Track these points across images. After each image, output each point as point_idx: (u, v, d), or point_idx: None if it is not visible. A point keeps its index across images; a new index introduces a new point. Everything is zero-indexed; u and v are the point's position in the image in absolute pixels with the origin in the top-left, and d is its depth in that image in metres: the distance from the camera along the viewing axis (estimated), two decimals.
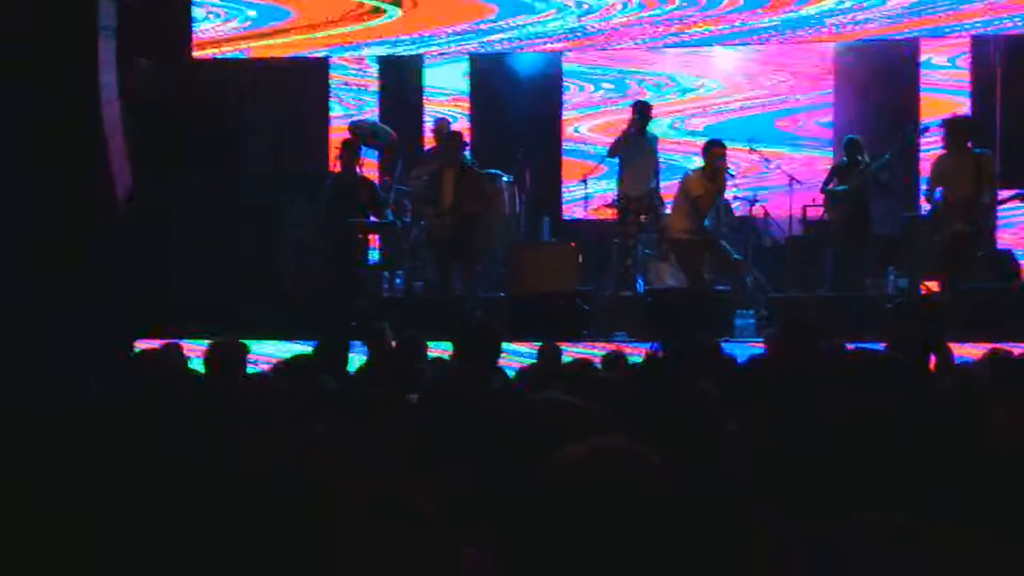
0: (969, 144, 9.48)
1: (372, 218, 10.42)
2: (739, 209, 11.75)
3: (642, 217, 10.65)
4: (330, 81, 12.55)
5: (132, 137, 10.59)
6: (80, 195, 10.07)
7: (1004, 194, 9.73)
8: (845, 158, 10.75)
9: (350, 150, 10.45)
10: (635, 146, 10.55)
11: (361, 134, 11.21)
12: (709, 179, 9.93)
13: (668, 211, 10.61)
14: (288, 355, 6.31)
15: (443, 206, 10.30)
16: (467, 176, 10.37)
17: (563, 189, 12.90)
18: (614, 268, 10.99)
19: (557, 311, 9.86)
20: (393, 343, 7.27)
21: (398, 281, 11.29)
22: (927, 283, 10.40)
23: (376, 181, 11.12)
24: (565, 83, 13.05)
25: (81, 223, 10.01)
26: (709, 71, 12.84)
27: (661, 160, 10.89)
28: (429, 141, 12.18)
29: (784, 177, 11.47)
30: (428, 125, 12.22)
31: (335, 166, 10.52)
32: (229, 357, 5.50)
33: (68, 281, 9.70)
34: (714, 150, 9.92)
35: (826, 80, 12.50)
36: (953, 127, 9.58)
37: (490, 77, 12.72)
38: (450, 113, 12.54)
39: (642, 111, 10.58)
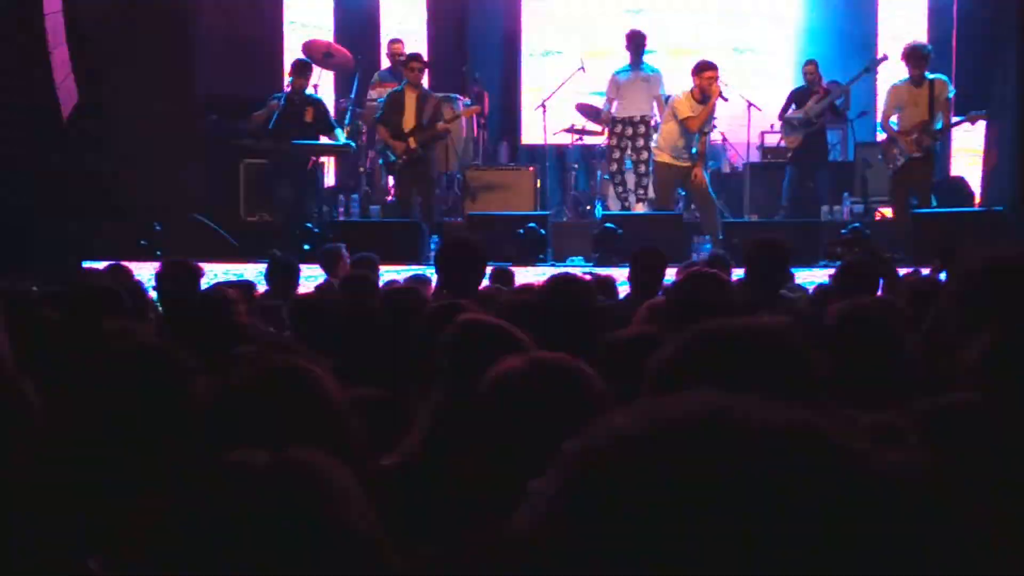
0: (924, 71, 9.49)
1: (322, 139, 10.31)
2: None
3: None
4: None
5: (80, 53, 10.35)
6: (24, 107, 9.87)
7: (955, 119, 9.77)
8: (803, 83, 10.74)
9: (302, 70, 10.33)
10: (629, 76, 10.47)
11: (315, 55, 11.07)
12: (699, 101, 9.86)
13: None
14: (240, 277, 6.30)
15: (403, 129, 10.22)
16: (428, 99, 10.28)
17: (521, 112, 12.82)
18: (572, 193, 10.99)
19: (514, 235, 9.83)
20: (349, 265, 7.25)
21: (354, 205, 11.22)
22: (882, 209, 10.48)
23: (331, 102, 11.00)
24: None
25: (25, 134, 9.82)
26: None
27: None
28: (386, 63, 12.04)
29: (742, 103, 11.44)
30: (384, 47, 12.05)
31: (287, 87, 10.40)
32: (182, 276, 5.45)
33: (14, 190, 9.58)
34: (706, 72, 9.79)
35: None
36: (909, 54, 9.58)
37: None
38: (408, 34, 12.40)
39: (631, 42, 10.50)
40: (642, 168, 10.60)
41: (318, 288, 6.78)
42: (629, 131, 10.50)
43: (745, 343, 1.70)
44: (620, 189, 10.67)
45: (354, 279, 5.78)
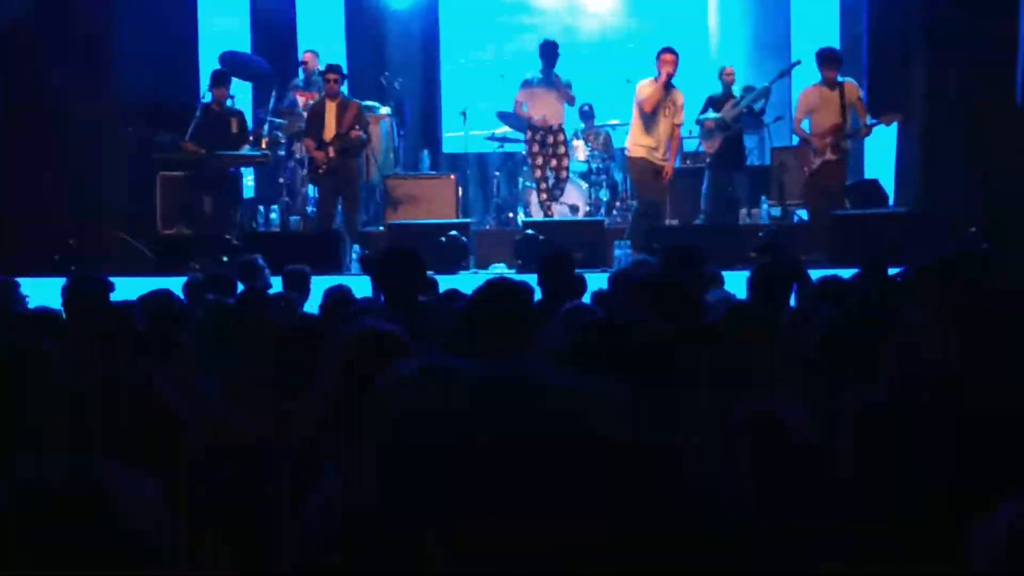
0: (836, 75, 9.64)
1: (244, 150, 10.25)
2: (618, 140, 11.85)
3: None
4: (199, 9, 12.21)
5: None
6: None
7: (869, 122, 9.93)
8: (720, 88, 10.86)
9: (221, 81, 10.27)
10: (542, 81, 10.60)
11: (232, 66, 10.98)
12: (656, 85, 9.94)
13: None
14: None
15: (324, 138, 10.20)
16: (348, 107, 10.27)
17: (442, 121, 12.81)
18: (494, 200, 11.04)
19: (436, 243, 9.81)
20: (270, 277, 7.17)
21: (273, 215, 11.14)
22: (799, 212, 10.62)
23: (249, 113, 10.92)
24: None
25: None
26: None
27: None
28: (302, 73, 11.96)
29: None
30: (304, 57, 11.96)
31: (205, 97, 10.31)
32: (91, 293, 5.34)
33: None
34: (661, 55, 9.93)
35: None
36: (820, 58, 9.73)
37: (367, 8, 12.52)
38: (326, 44, 12.34)
39: (544, 51, 10.61)
40: (563, 175, 10.66)
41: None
42: (549, 139, 10.57)
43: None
44: (544, 196, 10.73)
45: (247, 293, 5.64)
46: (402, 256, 4.87)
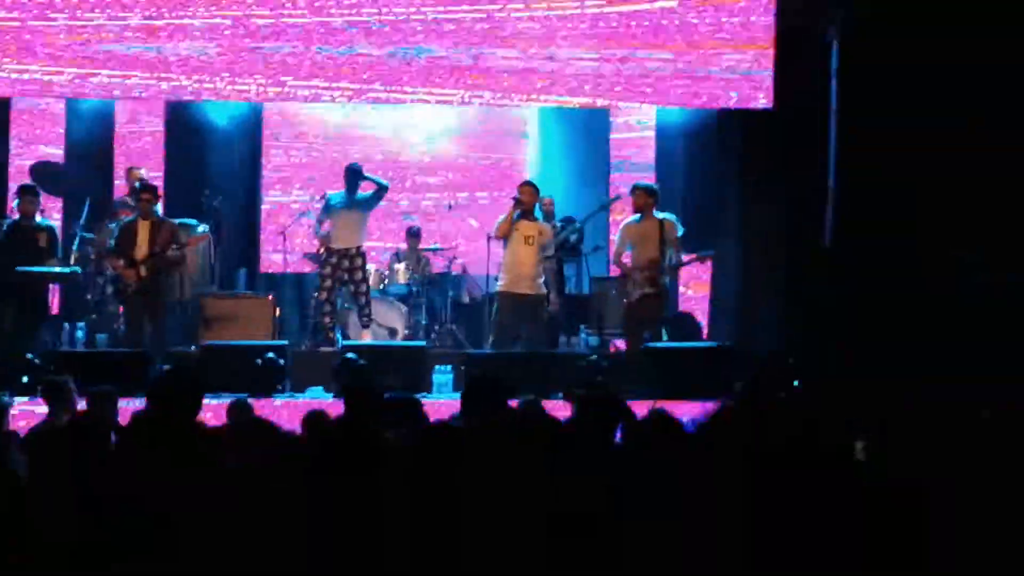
0: (654, 210, 9.91)
1: (53, 266, 9.88)
2: (438, 265, 11.88)
3: (344, 273, 10.62)
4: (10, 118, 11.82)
5: None
6: None
7: (686, 258, 10.22)
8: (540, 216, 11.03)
9: (30, 194, 9.95)
10: (344, 204, 10.64)
11: (43, 178, 10.65)
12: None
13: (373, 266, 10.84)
14: None
15: (135, 257, 9.92)
16: (163, 227, 10.04)
17: (260, 239, 12.62)
18: (311, 322, 10.90)
19: (251, 365, 9.56)
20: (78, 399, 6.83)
21: (79, 333, 10.71)
22: (616, 342, 10.78)
23: (59, 228, 10.56)
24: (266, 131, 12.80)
25: None
26: (412, 128, 12.94)
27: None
28: (121, 188, 11.66)
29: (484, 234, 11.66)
30: (120, 172, 11.67)
31: (12, 211, 9.96)
32: None
33: None
34: (519, 187, 10.16)
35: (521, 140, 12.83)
36: (638, 193, 10.01)
37: (186, 122, 12.33)
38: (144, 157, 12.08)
39: (349, 175, 10.68)
40: (363, 299, 10.67)
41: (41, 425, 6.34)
42: (345, 263, 10.59)
43: None
44: (327, 320, 10.63)
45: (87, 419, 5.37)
46: (176, 377, 4.83)
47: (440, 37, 11.03)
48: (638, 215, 9.98)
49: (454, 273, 11.91)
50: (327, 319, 10.69)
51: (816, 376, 8.92)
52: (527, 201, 10.07)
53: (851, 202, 10.22)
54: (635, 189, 10.10)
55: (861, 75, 10.14)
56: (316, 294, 10.80)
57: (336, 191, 10.83)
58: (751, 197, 11.18)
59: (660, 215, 9.93)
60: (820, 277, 10.18)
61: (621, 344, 10.59)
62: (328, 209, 10.70)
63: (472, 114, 12.69)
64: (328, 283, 10.67)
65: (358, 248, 10.67)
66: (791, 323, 10.28)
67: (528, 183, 10.31)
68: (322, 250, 10.78)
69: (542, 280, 10.11)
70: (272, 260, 12.38)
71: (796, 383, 8.97)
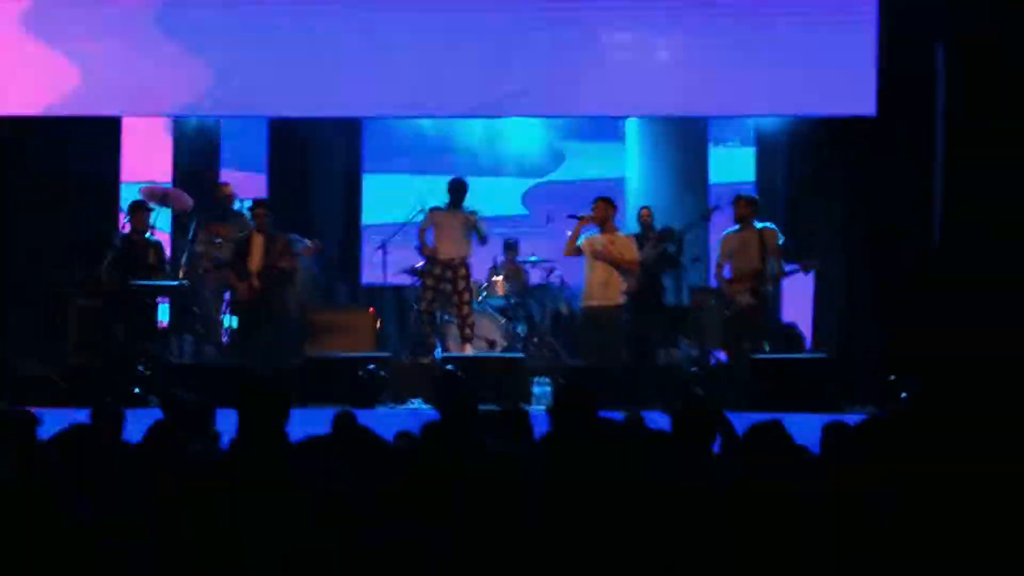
0: (754, 219, 9.82)
1: (161, 280, 10.13)
2: (536, 276, 11.89)
3: (447, 284, 10.62)
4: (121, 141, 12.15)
5: None
6: None
7: (788, 267, 10.09)
8: (637, 228, 11.00)
9: (140, 212, 10.19)
10: (448, 215, 10.61)
11: (152, 198, 10.91)
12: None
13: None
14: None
15: (249, 269, 10.12)
16: (276, 240, 10.23)
17: (363, 253, 12.75)
18: (411, 334, 10.97)
19: (352, 377, 9.68)
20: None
21: (187, 346, 10.93)
22: (716, 354, 10.67)
23: (167, 243, 10.82)
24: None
25: None
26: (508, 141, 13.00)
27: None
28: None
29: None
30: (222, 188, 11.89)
31: (124, 227, 10.22)
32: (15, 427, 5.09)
33: None
34: (593, 203, 10.17)
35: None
36: (739, 203, 9.92)
37: (288, 139, 12.53)
38: (248, 177, 12.29)
39: (453, 189, 10.65)
40: (465, 310, 10.63)
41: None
42: (449, 274, 10.56)
43: None
44: (428, 331, 10.65)
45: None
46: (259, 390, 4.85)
47: (535, 50, 11.08)
48: (738, 225, 9.89)
49: (552, 284, 11.91)
50: (428, 330, 10.73)
51: (924, 387, 8.74)
52: (598, 216, 10.04)
53: (958, 208, 10.01)
54: (736, 199, 10.02)
55: (967, 80, 9.93)
56: (416, 305, 10.84)
57: (438, 203, 10.82)
58: (855, 205, 11.01)
59: (760, 224, 9.83)
60: (928, 285, 9.97)
61: (722, 356, 10.48)
62: (431, 220, 10.69)
63: (569, 125, 12.69)
64: (430, 294, 10.67)
65: (462, 259, 10.63)
66: (897, 333, 10.07)
67: (600, 198, 10.27)
68: (423, 262, 10.77)
69: (618, 290, 10.06)
70: (373, 272, 12.49)
71: (904, 395, 8.80)
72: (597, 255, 10.07)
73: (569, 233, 10.26)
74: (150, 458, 4.43)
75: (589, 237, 10.16)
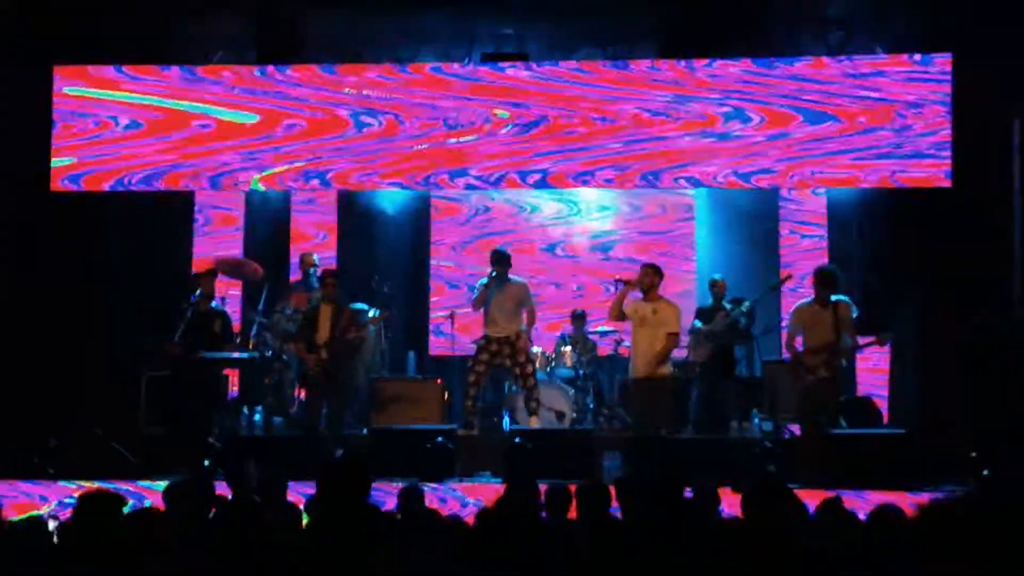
0: (830, 294, 9.68)
1: (226, 351, 10.17)
2: (605, 346, 11.81)
3: (507, 360, 10.57)
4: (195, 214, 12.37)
5: None
6: None
7: (863, 340, 9.91)
8: (710, 299, 10.90)
9: (209, 281, 10.28)
10: (497, 290, 10.56)
11: (224, 268, 11.02)
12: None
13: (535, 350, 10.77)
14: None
15: (318, 341, 10.16)
16: (344, 312, 10.26)
17: (430, 324, 12.76)
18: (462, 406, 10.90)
19: (421, 449, 9.62)
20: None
21: (256, 417, 10.96)
22: (789, 428, 10.48)
23: (236, 314, 10.91)
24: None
25: None
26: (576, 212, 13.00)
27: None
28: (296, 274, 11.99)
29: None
30: (295, 261, 12.01)
31: (196, 298, 10.32)
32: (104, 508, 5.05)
33: None
34: (641, 269, 10.21)
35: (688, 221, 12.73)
36: (818, 277, 9.78)
37: (357, 211, 12.64)
38: (316, 247, 12.40)
39: (497, 260, 10.62)
40: (531, 382, 10.55)
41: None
42: (507, 349, 10.51)
43: None
44: (469, 404, 10.56)
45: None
46: (340, 467, 4.79)
47: (600, 125, 11.17)
48: (812, 297, 9.76)
49: (621, 355, 11.81)
50: (469, 403, 10.62)
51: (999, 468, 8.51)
52: (645, 283, 9.96)
53: None
54: (815, 272, 9.88)
55: None
56: (465, 377, 10.78)
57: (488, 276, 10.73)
58: (930, 277, 10.84)
59: (835, 298, 9.69)
60: (1007, 359, 9.75)
61: (795, 429, 10.29)
62: (482, 294, 10.59)
63: (637, 197, 12.67)
64: (481, 368, 10.58)
65: (518, 334, 10.59)
66: (974, 411, 9.83)
67: (648, 264, 10.24)
68: (481, 337, 10.71)
69: (663, 361, 9.96)
70: (440, 344, 12.49)
71: (986, 472, 8.58)
72: (644, 323, 9.98)
73: (614, 296, 10.16)
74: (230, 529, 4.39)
75: (634, 303, 10.08)
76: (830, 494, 6.90)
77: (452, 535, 4.89)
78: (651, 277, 10.08)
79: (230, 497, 7.00)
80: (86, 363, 10.79)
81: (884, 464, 8.93)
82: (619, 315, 10.12)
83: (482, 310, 10.61)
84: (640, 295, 10.10)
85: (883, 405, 11.04)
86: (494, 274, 10.51)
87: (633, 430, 10.09)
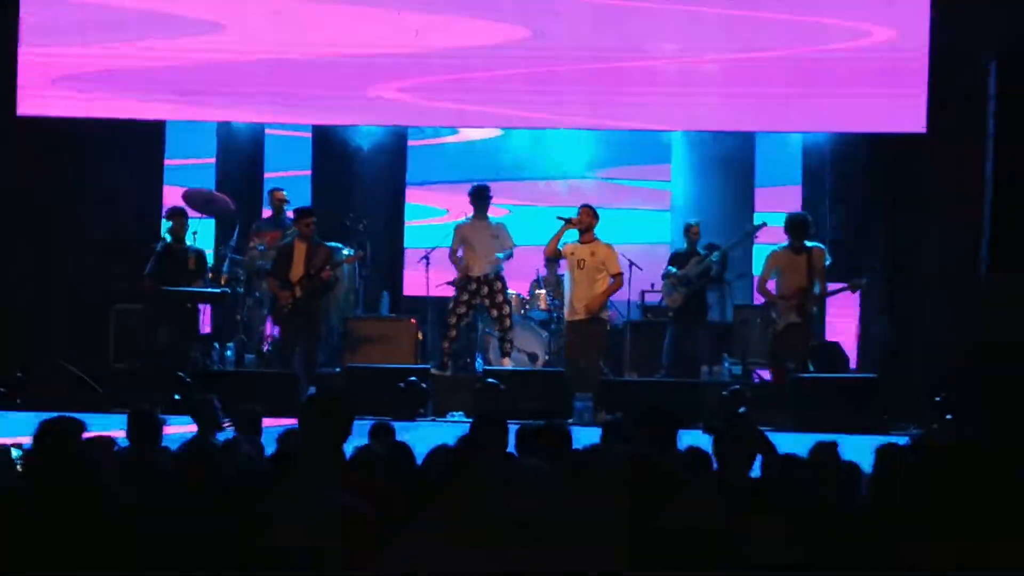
0: (804, 240, 9.71)
1: (201, 286, 10.15)
2: None
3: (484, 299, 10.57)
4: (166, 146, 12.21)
5: None
6: None
7: (833, 286, 9.97)
8: (684, 244, 10.91)
9: (180, 218, 10.22)
10: (475, 229, 10.53)
11: (195, 203, 10.94)
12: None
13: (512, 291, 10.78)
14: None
15: (290, 279, 10.13)
16: (319, 250, 10.22)
17: (404, 264, 12.72)
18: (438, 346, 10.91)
19: (394, 388, 9.64)
20: (225, 418, 6.96)
21: (228, 353, 10.94)
22: (759, 372, 10.55)
23: (210, 250, 10.86)
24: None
25: None
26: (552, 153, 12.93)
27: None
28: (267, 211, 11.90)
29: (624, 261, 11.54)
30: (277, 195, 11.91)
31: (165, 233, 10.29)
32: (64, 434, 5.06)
33: None
34: (580, 209, 10.12)
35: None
36: (791, 224, 9.80)
37: (332, 148, 12.53)
38: (291, 182, 12.30)
39: (474, 197, 10.58)
40: (506, 323, 10.57)
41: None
42: (484, 290, 10.50)
43: None
44: (447, 345, 10.58)
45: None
46: (325, 401, 4.75)
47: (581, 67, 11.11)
48: (786, 243, 9.78)
49: None
50: (446, 344, 10.64)
51: (975, 410, 8.59)
52: (583, 223, 9.95)
53: (1008, 229, 9.84)
54: (787, 219, 9.89)
55: (1021, 97, 9.78)
56: (446, 318, 10.79)
57: (465, 216, 10.75)
58: (901, 224, 10.87)
59: (810, 244, 9.72)
60: (975, 307, 9.81)
61: (765, 374, 10.37)
62: (459, 236, 10.61)
63: (613, 139, 12.61)
64: (462, 309, 10.60)
65: (496, 273, 10.61)
66: (945, 354, 9.90)
67: (587, 205, 10.18)
68: (459, 277, 10.70)
69: (604, 304, 10.01)
70: (415, 283, 12.45)
71: (949, 416, 8.66)
72: (580, 265, 9.97)
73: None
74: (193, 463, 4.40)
75: (570, 244, 10.06)
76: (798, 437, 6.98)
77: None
78: (589, 218, 10.05)
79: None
80: (51, 294, 10.69)
81: (850, 408, 9.01)
82: (555, 253, 10.12)
83: (460, 251, 10.58)
84: (577, 237, 10.04)
85: (852, 352, 11.11)
86: (472, 215, 10.49)
87: (570, 373, 10.07)
